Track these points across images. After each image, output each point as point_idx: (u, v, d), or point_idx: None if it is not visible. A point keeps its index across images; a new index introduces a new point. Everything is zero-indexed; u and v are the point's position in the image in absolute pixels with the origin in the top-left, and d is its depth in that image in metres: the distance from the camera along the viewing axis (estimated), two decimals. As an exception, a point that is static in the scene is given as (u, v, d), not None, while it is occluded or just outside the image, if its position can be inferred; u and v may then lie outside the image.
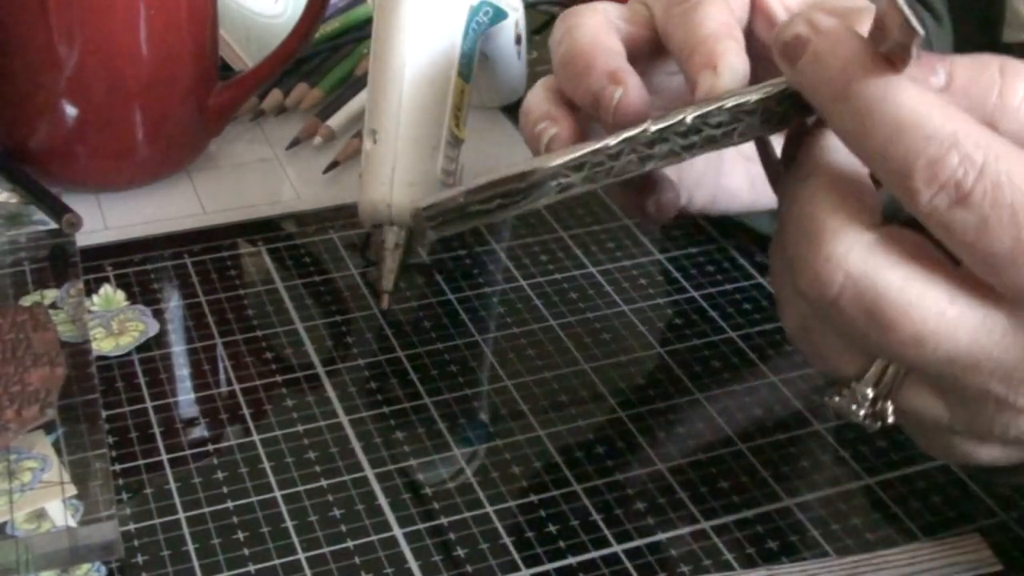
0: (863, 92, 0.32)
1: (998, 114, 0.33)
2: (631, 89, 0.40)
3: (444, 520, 0.42)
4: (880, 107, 0.32)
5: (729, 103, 0.35)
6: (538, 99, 0.43)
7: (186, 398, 0.47)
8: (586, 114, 0.42)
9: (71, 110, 0.57)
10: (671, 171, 0.43)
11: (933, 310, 0.32)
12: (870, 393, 0.35)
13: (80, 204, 0.57)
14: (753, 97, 0.35)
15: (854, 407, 0.36)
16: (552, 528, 0.42)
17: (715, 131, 0.35)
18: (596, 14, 0.44)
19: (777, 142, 0.40)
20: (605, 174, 0.35)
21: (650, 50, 0.44)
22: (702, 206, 0.48)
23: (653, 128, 0.35)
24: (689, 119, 0.35)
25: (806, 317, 0.36)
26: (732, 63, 0.39)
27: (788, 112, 0.35)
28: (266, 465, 0.44)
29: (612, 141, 0.35)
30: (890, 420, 0.36)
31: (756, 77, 0.39)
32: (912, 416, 0.36)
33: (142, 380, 0.48)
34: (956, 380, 0.33)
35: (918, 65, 0.33)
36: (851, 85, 0.32)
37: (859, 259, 0.33)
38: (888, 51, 0.32)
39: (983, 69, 0.34)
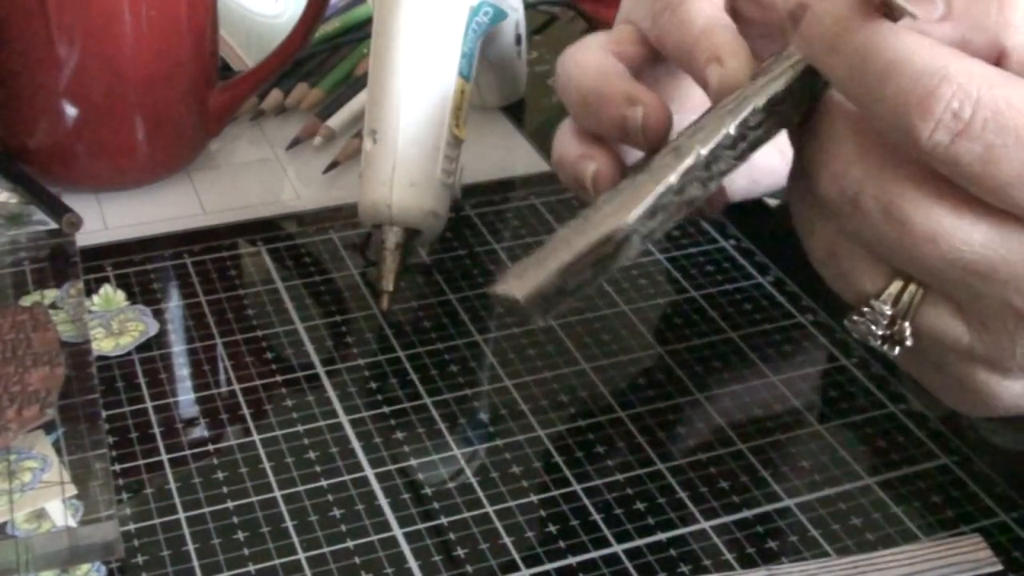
0: (852, 40, 0.33)
1: (1001, 30, 0.33)
2: (650, 104, 0.41)
3: (444, 520, 0.42)
4: (870, 52, 0.32)
5: (760, 100, 0.35)
6: (567, 142, 0.44)
7: (186, 398, 0.47)
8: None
9: (71, 110, 0.57)
10: None
11: (948, 207, 0.33)
12: (888, 311, 0.35)
13: (80, 204, 0.57)
14: (779, 86, 0.35)
15: (873, 327, 0.36)
16: (552, 528, 0.42)
17: (757, 131, 0.35)
18: (590, 48, 0.44)
19: None
20: (677, 209, 0.36)
21: (650, 62, 0.44)
22: (745, 191, 0.48)
23: (704, 152, 0.35)
24: (732, 130, 0.35)
25: (831, 238, 0.36)
26: (734, 51, 0.39)
27: (815, 86, 0.35)
28: (266, 465, 0.44)
29: (673, 178, 0.35)
30: (908, 342, 0.36)
31: (754, 54, 0.40)
32: (931, 338, 0.35)
33: (142, 380, 0.48)
34: (974, 292, 0.33)
35: (915, 0, 0.33)
36: (841, 36, 0.33)
37: (877, 158, 0.33)
38: (884, 1, 0.33)
39: None
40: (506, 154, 0.65)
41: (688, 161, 0.35)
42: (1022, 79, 0.32)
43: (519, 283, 0.37)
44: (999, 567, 0.40)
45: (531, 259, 0.41)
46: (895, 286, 0.35)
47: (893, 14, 0.33)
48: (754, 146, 0.36)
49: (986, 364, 0.36)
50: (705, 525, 0.42)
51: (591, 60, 0.44)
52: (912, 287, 0.35)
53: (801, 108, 0.36)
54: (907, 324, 0.36)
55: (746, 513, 0.43)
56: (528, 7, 0.77)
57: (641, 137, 0.41)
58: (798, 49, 0.35)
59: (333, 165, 0.62)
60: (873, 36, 0.33)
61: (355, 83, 0.68)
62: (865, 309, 0.36)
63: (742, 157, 0.36)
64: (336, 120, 0.65)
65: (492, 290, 0.40)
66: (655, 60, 0.44)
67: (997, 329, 0.34)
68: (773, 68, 0.37)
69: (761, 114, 0.35)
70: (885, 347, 0.37)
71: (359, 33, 0.73)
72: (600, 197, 0.43)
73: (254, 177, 0.62)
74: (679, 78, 0.46)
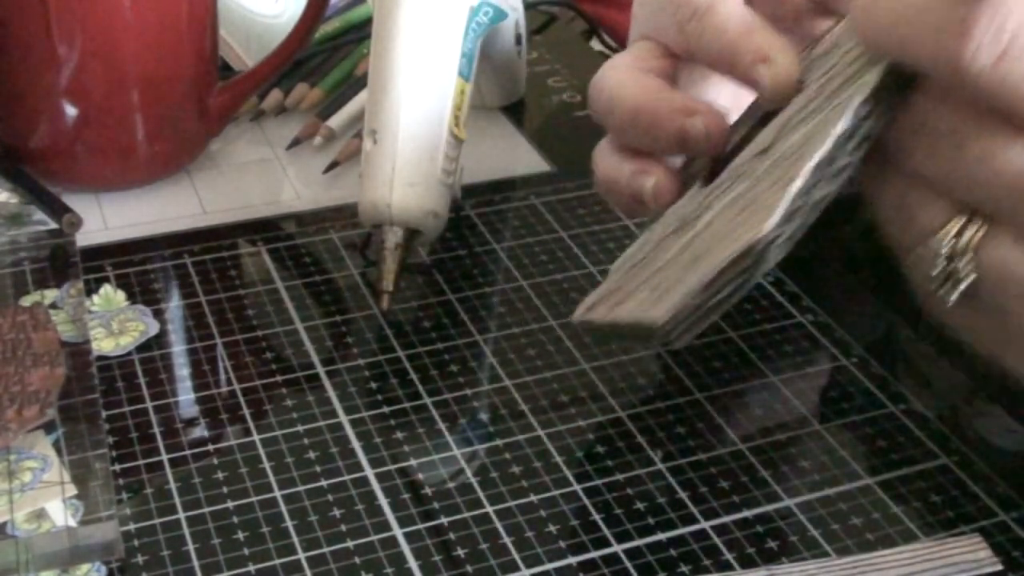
0: None
1: None
2: (707, 113, 0.41)
3: (444, 520, 0.42)
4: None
5: (864, 91, 0.34)
6: (614, 163, 0.44)
7: (186, 398, 0.47)
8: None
9: (71, 110, 0.57)
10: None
11: (1002, 132, 0.32)
12: (948, 246, 0.34)
13: (80, 204, 0.57)
14: (878, 74, 0.34)
15: (936, 261, 0.35)
16: (552, 528, 0.42)
17: (868, 121, 0.34)
18: (622, 69, 0.45)
19: None
20: (809, 211, 0.35)
21: (673, 73, 0.44)
22: None
23: (825, 150, 0.34)
24: (849, 123, 0.34)
25: (899, 188, 0.36)
26: (781, 47, 0.40)
27: (901, 78, 0.35)
28: (266, 465, 0.44)
29: (800, 182, 0.34)
30: (968, 278, 0.34)
31: None
32: (992, 271, 0.34)
33: (142, 380, 0.48)
34: None
35: None
36: None
37: (939, 91, 0.34)
38: None
39: None
40: (506, 154, 0.65)
41: (811, 162, 0.34)
42: None
43: (656, 311, 0.37)
44: (999, 567, 0.40)
45: (608, 286, 0.42)
46: (957, 221, 0.34)
47: None
48: (868, 137, 0.35)
49: None
50: (705, 525, 0.42)
51: (629, 80, 0.44)
52: (976, 223, 0.34)
53: (902, 89, 0.35)
54: (967, 258, 0.34)
55: (746, 513, 0.43)
56: (528, 7, 0.77)
57: (704, 145, 0.41)
58: (854, 16, 0.35)
59: (333, 165, 0.62)
60: None
61: (355, 83, 0.68)
62: (923, 247, 0.35)
63: (859, 148, 0.35)
64: (336, 120, 0.65)
65: (588, 318, 0.41)
66: (678, 70, 0.45)
67: None
68: (824, 51, 0.38)
69: (870, 103, 0.34)
70: (945, 287, 0.35)
71: (359, 33, 0.73)
72: (669, 210, 0.43)
73: (254, 177, 0.62)
74: (706, 81, 0.45)
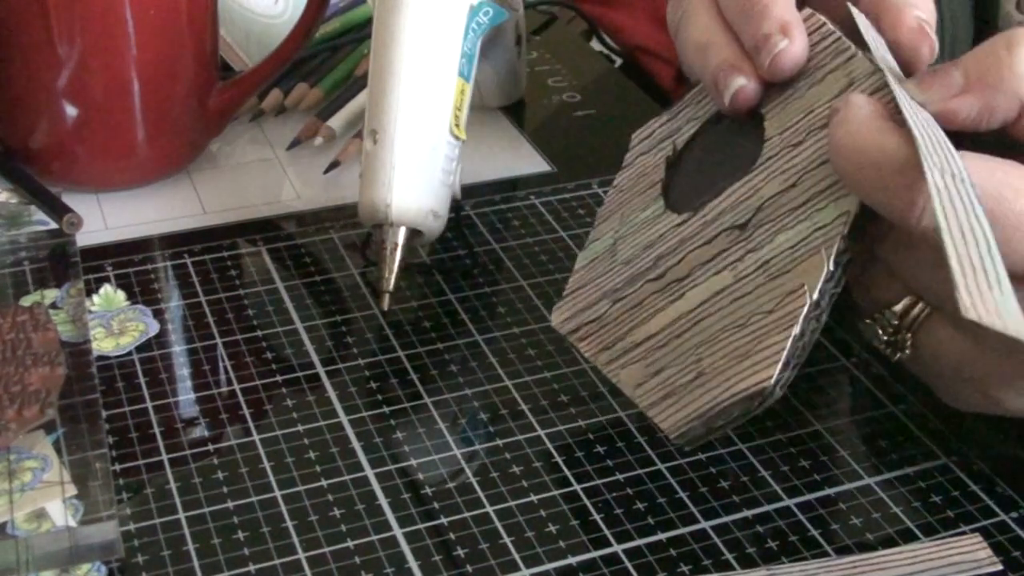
0: (846, 142, 0.37)
1: (1018, 86, 0.37)
2: (795, 46, 0.41)
3: (444, 520, 0.42)
4: (863, 151, 0.37)
5: (844, 228, 0.38)
6: (714, 36, 0.43)
7: (186, 398, 0.47)
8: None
9: (71, 110, 0.57)
10: None
11: None
12: (894, 322, 0.40)
13: (80, 204, 0.57)
14: (855, 207, 0.39)
15: (879, 331, 0.41)
16: (552, 528, 0.42)
17: (846, 255, 0.39)
18: None
19: None
20: (801, 352, 0.39)
21: None
22: None
23: (815, 295, 0.39)
24: (831, 265, 0.39)
25: (868, 267, 0.41)
26: (801, 28, 0.42)
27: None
28: (266, 465, 0.44)
29: (796, 328, 0.39)
30: (908, 350, 0.40)
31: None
32: (931, 350, 0.40)
33: (142, 380, 0.48)
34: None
35: (934, 76, 0.38)
36: (855, 138, 0.37)
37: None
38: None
39: (989, 52, 0.37)
40: (506, 154, 0.65)
41: (805, 308, 0.39)
42: (994, 163, 0.36)
43: (665, 419, 0.41)
44: (999, 567, 0.40)
45: (585, 298, 0.46)
46: (907, 301, 0.40)
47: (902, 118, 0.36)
48: (846, 269, 0.39)
49: (990, 380, 0.39)
50: (705, 525, 0.42)
51: None
52: (920, 305, 0.40)
53: (872, 218, 0.39)
54: (910, 336, 0.40)
55: (746, 513, 0.43)
56: (528, 7, 0.77)
57: (765, 64, 0.41)
58: (828, 149, 0.38)
59: (333, 165, 0.62)
60: (870, 137, 0.37)
61: (355, 83, 0.68)
62: (877, 315, 0.41)
63: (838, 284, 0.39)
64: (336, 120, 0.65)
65: (604, 368, 0.44)
66: None
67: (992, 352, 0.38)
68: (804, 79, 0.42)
69: (847, 240, 0.38)
70: (890, 350, 0.41)
71: (359, 33, 0.73)
72: (631, 220, 0.46)
73: (254, 177, 0.62)
74: None
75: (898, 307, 0.40)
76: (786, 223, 0.40)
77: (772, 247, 0.40)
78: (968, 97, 0.37)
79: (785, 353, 0.38)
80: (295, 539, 0.41)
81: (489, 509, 0.42)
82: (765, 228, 0.41)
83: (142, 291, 0.53)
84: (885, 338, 0.41)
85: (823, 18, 0.42)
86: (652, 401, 0.42)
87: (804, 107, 0.41)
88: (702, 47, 0.43)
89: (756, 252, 0.40)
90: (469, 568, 0.40)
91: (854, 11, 0.42)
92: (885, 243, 0.39)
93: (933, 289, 0.39)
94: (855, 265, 0.40)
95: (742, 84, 0.42)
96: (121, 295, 0.52)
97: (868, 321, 0.41)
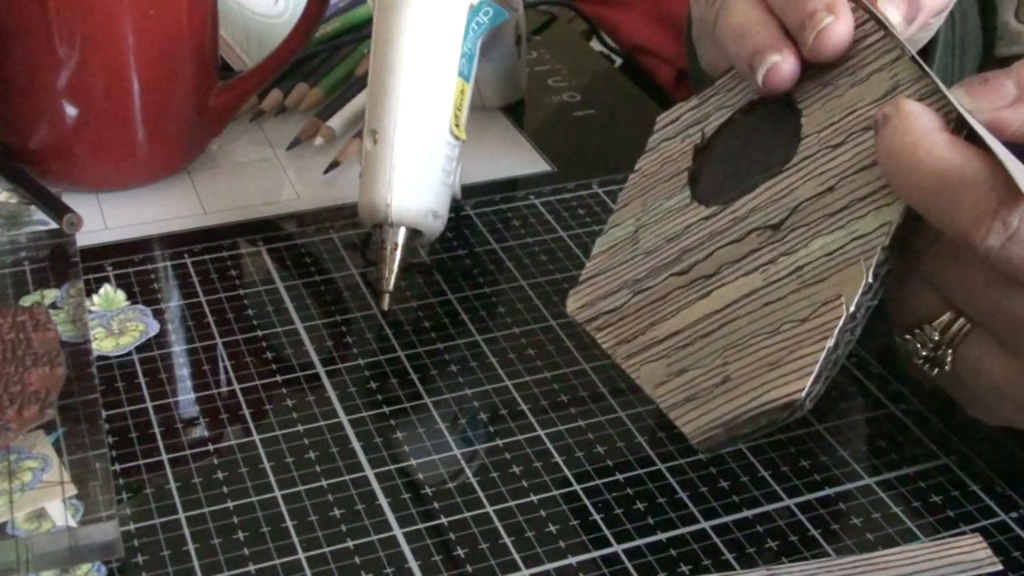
0: (915, 155, 0.36)
1: None
2: (840, 23, 0.40)
3: (444, 520, 0.42)
4: (929, 167, 0.36)
5: (886, 239, 0.37)
6: (752, 19, 0.42)
7: (186, 398, 0.47)
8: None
9: (71, 110, 0.57)
10: None
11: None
12: (935, 338, 0.39)
13: (80, 204, 0.57)
14: (898, 218, 0.38)
15: (919, 347, 0.40)
16: (552, 528, 0.42)
17: (885, 266, 0.38)
18: None
19: None
20: (833, 365, 0.39)
21: None
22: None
23: (852, 308, 0.38)
24: (870, 278, 0.38)
25: (912, 282, 0.40)
26: (847, 9, 0.41)
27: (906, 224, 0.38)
28: (266, 465, 0.44)
29: (830, 341, 0.38)
30: (947, 366, 0.39)
31: None
32: (971, 366, 0.39)
33: (142, 380, 0.48)
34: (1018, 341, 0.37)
35: (985, 85, 0.37)
36: (908, 151, 0.36)
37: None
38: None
39: None
40: (506, 154, 0.65)
41: (841, 320, 0.38)
42: None
43: (687, 422, 0.40)
44: (999, 567, 0.40)
45: (605, 286, 0.44)
46: (948, 316, 0.39)
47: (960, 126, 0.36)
48: (884, 281, 0.38)
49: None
50: (705, 525, 0.42)
51: None
52: (962, 320, 0.39)
53: (915, 230, 0.38)
54: (951, 351, 0.39)
55: (746, 513, 0.43)
56: (528, 7, 0.77)
57: (809, 42, 0.40)
58: (879, 157, 0.37)
59: (333, 165, 0.62)
60: (933, 150, 0.36)
61: (355, 83, 0.68)
62: (916, 331, 0.40)
63: (875, 296, 0.38)
64: (336, 120, 0.65)
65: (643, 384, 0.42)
66: None
67: None
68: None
69: (888, 251, 0.38)
70: (927, 367, 0.40)
71: (359, 33, 0.73)
72: (655, 208, 0.45)
73: (254, 177, 0.62)
74: None
75: (938, 322, 0.39)
76: (822, 228, 0.39)
77: (807, 252, 0.39)
78: (1021, 107, 0.37)
79: (818, 366, 0.37)
80: (295, 539, 0.41)
81: (489, 509, 0.42)
82: (800, 231, 0.39)
83: (142, 291, 0.53)
84: (924, 354, 0.40)
85: (871, 11, 0.41)
86: (674, 402, 0.41)
87: (845, 106, 0.40)
88: (740, 30, 0.42)
89: (789, 256, 0.39)
90: (469, 568, 0.40)
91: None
92: (930, 256, 0.38)
93: (980, 306, 0.38)
94: (893, 277, 0.39)
95: (776, 60, 0.41)
96: (121, 295, 0.52)
97: (907, 336, 0.40)
